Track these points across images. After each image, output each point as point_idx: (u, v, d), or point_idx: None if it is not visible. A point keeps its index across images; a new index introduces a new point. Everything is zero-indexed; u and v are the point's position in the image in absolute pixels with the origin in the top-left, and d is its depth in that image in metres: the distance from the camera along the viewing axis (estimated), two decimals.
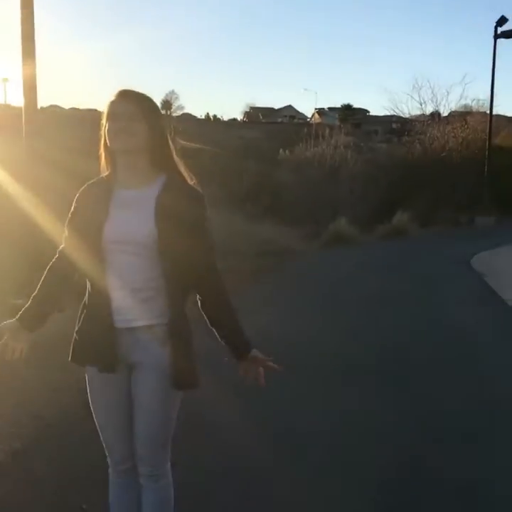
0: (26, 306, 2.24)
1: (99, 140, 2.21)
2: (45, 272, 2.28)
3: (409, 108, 29.26)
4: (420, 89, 27.37)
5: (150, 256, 2.10)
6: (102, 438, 2.30)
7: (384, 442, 3.80)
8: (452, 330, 6.99)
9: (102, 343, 2.13)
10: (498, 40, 21.52)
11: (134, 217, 2.12)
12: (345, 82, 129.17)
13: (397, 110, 29.23)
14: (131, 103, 2.12)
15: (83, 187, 2.26)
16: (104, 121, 2.14)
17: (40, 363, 4.17)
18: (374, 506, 3.06)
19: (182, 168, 2.25)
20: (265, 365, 2.22)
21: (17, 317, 2.23)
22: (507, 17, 21.45)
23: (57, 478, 3.17)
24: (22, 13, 6.23)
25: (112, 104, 2.13)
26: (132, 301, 2.13)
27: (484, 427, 4.08)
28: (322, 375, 5.13)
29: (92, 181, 2.27)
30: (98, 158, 2.29)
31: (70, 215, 2.24)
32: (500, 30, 21.53)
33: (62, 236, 2.27)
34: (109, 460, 2.33)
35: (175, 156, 2.24)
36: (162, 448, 2.25)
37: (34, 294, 2.26)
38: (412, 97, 28.77)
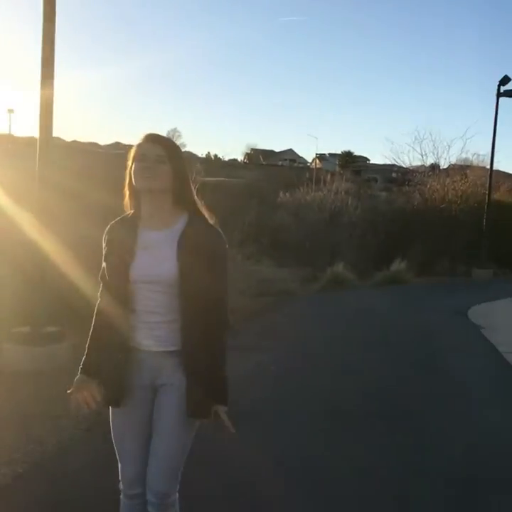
0: (85, 356, 2.37)
1: (123, 179, 2.33)
2: (95, 317, 2.40)
3: (410, 159, 29.61)
4: (422, 141, 27.78)
5: (171, 292, 2.22)
6: (119, 461, 2.39)
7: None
8: (452, 380, 7.00)
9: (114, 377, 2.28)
10: (501, 99, 21.94)
11: (159, 258, 2.24)
12: (346, 129, 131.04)
13: (398, 160, 29.63)
14: (158, 146, 2.26)
15: (109, 225, 2.41)
16: (130, 162, 2.28)
17: (41, 392, 4.17)
18: None
19: (202, 208, 2.38)
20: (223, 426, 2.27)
21: (81, 369, 2.34)
22: (510, 77, 21.91)
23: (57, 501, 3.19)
24: (44, 31, 6.33)
25: (140, 146, 2.28)
26: (155, 330, 2.27)
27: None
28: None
29: (116, 220, 2.41)
30: (120, 194, 2.40)
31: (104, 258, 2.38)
32: (502, 89, 21.99)
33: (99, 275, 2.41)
34: (121, 484, 2.39)
35: (195, 197, 2.37)
36: (174, 475, 2.30)
37: (89, 342, 2.38)
38: (413, 148, 29.13)
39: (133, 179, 2.27)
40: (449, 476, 4.08)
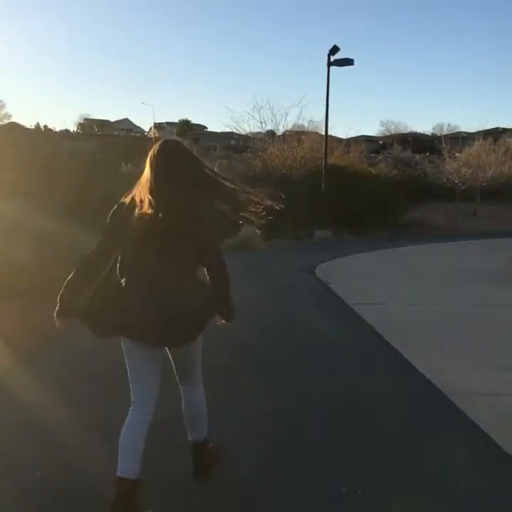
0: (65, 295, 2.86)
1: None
2: (79, 271, 2.84)
3: (250, 126, 30.38)
4: (260, 109, 28.54)
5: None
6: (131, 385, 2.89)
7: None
8: (305, 330, 7.53)
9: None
10: (331, 68, 23.11)
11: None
12: (183, 97, 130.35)
13: (238, 128, 30.26)
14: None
15: (116, 206, 2.86)
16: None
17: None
18: None
19: None
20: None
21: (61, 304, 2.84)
22: (339, 46, 23.12)
23: None
24: None
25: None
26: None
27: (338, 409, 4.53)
28: None
29: (121, 201, 2.85)
30: None
31: (108, 227, 2.83)
32: (333, 58, 23.13)
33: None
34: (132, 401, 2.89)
35: None
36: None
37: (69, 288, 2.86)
38: (252, 116, 29.85)
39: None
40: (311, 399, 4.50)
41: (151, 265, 2.76)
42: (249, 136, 33.46)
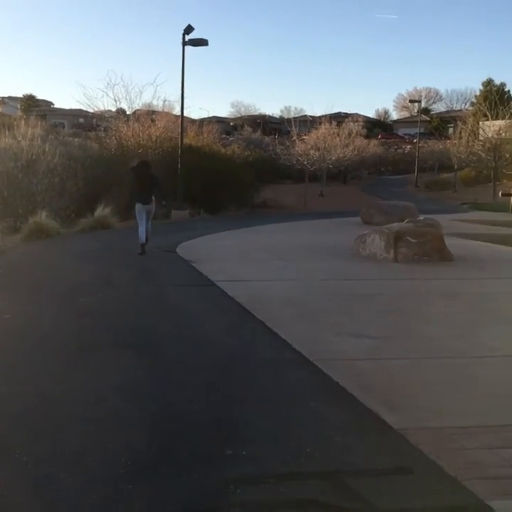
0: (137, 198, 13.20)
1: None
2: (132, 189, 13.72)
3: (104, 104, 29.62)
4: (114, 86, 27.88)
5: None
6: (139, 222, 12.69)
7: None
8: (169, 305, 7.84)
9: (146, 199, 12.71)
10: (186, 47, 23.17)
11: None
12: (27, 71, 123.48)
13: (92, 105, 29.35)
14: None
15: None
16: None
17: None
18: None
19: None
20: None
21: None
22: (193, 26, 23.21)
23: None
24: None
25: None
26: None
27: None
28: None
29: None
30: None
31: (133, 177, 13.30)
32: (187, 38, 23.19)
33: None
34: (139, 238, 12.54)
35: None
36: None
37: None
38: (106, 93, 29.04)
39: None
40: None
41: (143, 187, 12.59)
42: (101, 115, 32.67)
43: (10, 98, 78.89)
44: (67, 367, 5.31)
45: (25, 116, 37.85)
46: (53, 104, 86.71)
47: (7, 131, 22.43)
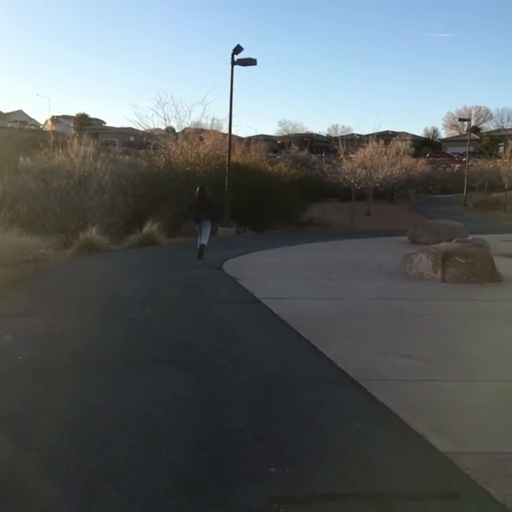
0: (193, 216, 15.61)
1: None
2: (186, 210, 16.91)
3: (154, 123, 30.27)
4: (164, 105, 28.48)
5: None
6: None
7: None
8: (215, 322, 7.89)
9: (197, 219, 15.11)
10: (235, 67, 23.47)
11: None
12: (80, 91, 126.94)
13: (142, 124, 30.02)
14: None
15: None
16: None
17: None
18: None
19: None
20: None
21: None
22: (242, 46, 23.50)
23: None
24: None
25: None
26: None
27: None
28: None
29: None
30: None
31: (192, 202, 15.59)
32: (236, 57, 23.50)
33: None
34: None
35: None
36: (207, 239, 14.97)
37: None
38: (156, 112, 29.66)
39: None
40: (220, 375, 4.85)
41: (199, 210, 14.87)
42: (150, 133, 33.32)
43: (64, 117, 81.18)
44: (113, 381, 5.39)
45: (78, 135, 38.89)
46: (105, 123, 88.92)
47: (60, 149, 23.13)
